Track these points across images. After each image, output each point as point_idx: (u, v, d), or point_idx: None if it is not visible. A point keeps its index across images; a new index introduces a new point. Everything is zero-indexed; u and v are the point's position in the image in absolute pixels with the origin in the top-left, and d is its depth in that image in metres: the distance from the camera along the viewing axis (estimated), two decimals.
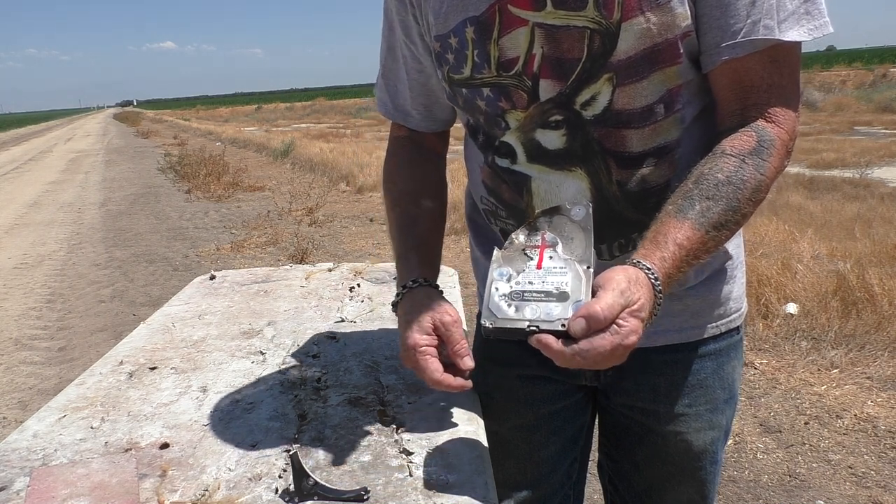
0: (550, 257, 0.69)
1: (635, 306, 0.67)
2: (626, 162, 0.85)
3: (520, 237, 0.73)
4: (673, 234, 0.74)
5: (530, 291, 0.68)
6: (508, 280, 0.70)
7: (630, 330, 0.66)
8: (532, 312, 0.67)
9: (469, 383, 0.82)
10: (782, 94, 0.79)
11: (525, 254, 0.70)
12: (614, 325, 0.66)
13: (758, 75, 0.78)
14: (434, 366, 0.81)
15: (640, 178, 0.85)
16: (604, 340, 0.65)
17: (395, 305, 0.91)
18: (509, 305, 0.68)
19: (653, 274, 0.71)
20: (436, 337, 0.83)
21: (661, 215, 0.76)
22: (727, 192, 0.75)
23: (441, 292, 0.91)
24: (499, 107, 0.87)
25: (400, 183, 1.02)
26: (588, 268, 0.68)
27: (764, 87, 0.78)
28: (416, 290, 0.88)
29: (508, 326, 0.68)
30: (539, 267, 0.69)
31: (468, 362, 0.81)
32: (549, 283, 0.68)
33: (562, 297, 0.67)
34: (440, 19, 0.87)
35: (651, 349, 0.96)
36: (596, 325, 0.65)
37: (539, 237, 0.71)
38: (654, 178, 0.85)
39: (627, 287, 0.67)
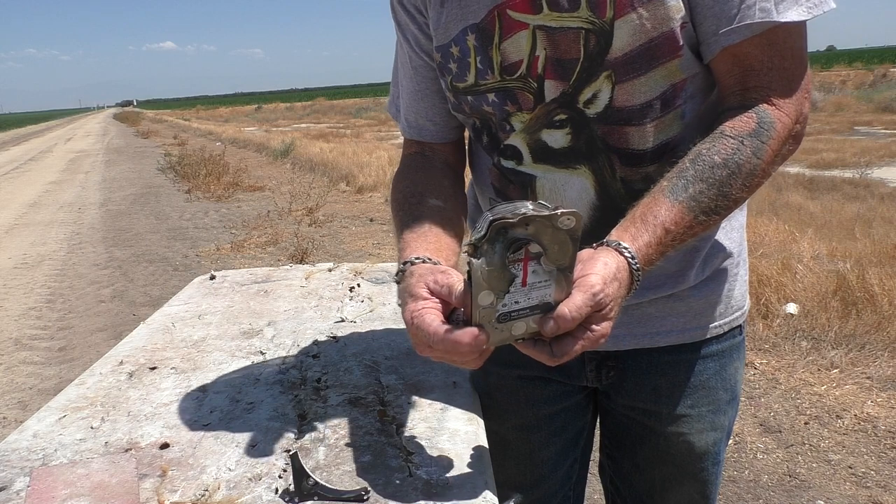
0: (534, 271, 0.66)
1: (605, 310, 0.67)
2: (630, 159, 0.85)
3: (495, 237, 0.64)
4: (663, 215, 0.73)
5: (517, 310, 0.67)
6: (492, 304, 0.65)
7: (600, 334, 0.67)
8: (518, 330, 0.68)
9: (482, 337, 0.65)
10: (784, 76, 0.77)
11: (509, 269, 0.65)
12: (587, 331, 0.66)
13: (757, 59, 0.77)
14: (430, 318, 0.67)
15: (644, 176, 0.85)
16: (575, 345, 0.67)
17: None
18: (496, 329, 0.67)
19: (636, 263, 0.71)
20: (437, 301, 0.70)
21: (653, 189, 0.76)
22: (721, 175, 0.75)
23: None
24: (505, 110, 0.87)
25: (405, 189, 0.95)
26: (570, 273, 0.67)
27: (764, 70, 0.77)
28: (413, 267, 0.75)
29: (496, 345, 0.69)
30: (524, 284, 0.66)
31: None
32: (534, 298, 0.67)
33: (545, 307, 0.67)
34: (440, 30, 0.88)
35: (653, 350, 0.96)
36: (565, 326, 0.65)
37: (522, 250, 0.65)
38: (657, 175, 0.84)
39: (602, 289, 0.66)
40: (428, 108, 0.98)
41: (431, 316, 0.68)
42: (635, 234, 0.73)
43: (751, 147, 0.75)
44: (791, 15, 0.75)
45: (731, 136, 0.76)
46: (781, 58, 0.77)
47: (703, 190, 0.74)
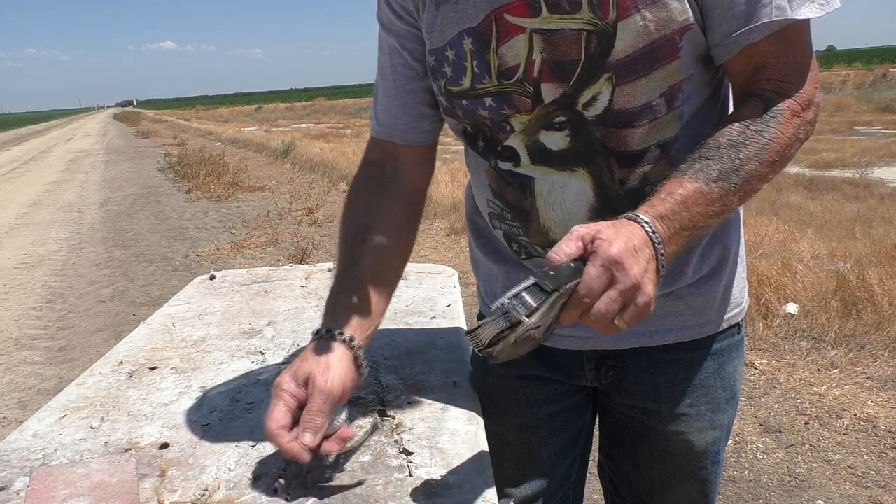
0: None
1: (602, 235, 0.67)
2: (627, 160, 0.85)
3: None
4: (667, 187, 0.74)
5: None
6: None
7: (602, 249, 0.66)
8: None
9: (303, 455, 0.74)
10: (796, 69, 0.79)
11: None
12: (592, 254, 0.66)
13: (772, 56, 0.79)
14: (277, 414, 0.76)
15: (641, 176, 0.85)
16: (585, 275, 0.66)
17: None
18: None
19: (635, 214, 0.71)
20: (304, 391, 0.78)
21: None
22: (728, 152, 0.76)
23: (355, 354, 0.83)
24: (502, 113, 0.87)
25: (354, 218, 0.96)
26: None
27: (780, 65, 0.79)
28: (324, 341, 0.82)
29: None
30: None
31: (307, 437, 0.75)
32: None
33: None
34: (435, 33, 0.87)
35: (652, 349, 0.96)
36: (555, 259, 0.66)
37: None
38: (654, 175, 0.85)
39: (587, 226, 0.68)
40: (400, 106, 0.97)
41: (279, 407, 0.77)
42: (645, 207, 0.73)
43: (756, 129, 0.76)
44: (805, 12, 0.76)
45: (735, 121, 0.77)
46: (793, 53, 0.79)
47: (708, 163, 0.75)
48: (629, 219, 0.72)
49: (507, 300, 0.65)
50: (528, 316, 0.64)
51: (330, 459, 0.78)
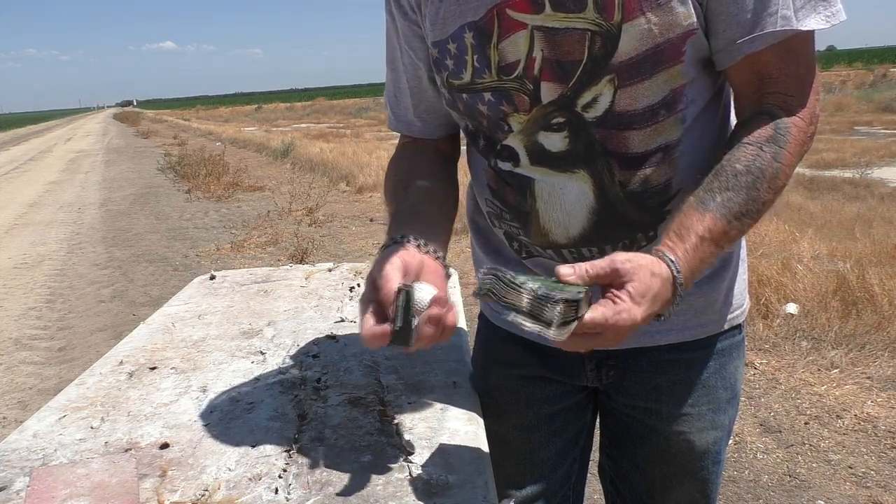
0: None
1: (632, 289, 0.67)
2: (629, 162, 0.84)
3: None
4: (695, 226, 0.74)
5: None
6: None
7: (623, 308, 0.66)
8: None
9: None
10: (799, 81, 0.79)
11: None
12: (609, 300, 0.67)
13: (775, 66, 0.79)
14: (367, 323, 0.71)
15: (643, 178, 0.85)
16: (594, 312, 0.66)
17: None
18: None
19: (675, 266, 0.72)
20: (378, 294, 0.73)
21: (683, 207, 0.77)
22: (746, 181, 0.76)
23: (416, 245, 0.79)
24: (500, 110, 0.87)
25: (393, 178, 0.98)
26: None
27: (782, 77, 0.79)
28: (384, 250, 0.78)
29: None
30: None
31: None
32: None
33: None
34: (437, 25, 0.87)
35: (653, 348, 0.96)
36: (580, 271, 0.67)
37: None
38: (656, 178, 0.85)
39: (630, 262, 0.68)
40: (415, 104, 0.99)
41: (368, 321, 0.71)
42: (671, 246, 0.74)
43: (770, 152, 0.77)
44: (811, 23, 0.76)
45: (749, 144, 0.77)
46: (797, 64, 0.79)
47: (731, 197, 0.75)
48: (670, 269, 0.72)
49: (559, 295, 0.63)
50: (560, 326, 0.63)
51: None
